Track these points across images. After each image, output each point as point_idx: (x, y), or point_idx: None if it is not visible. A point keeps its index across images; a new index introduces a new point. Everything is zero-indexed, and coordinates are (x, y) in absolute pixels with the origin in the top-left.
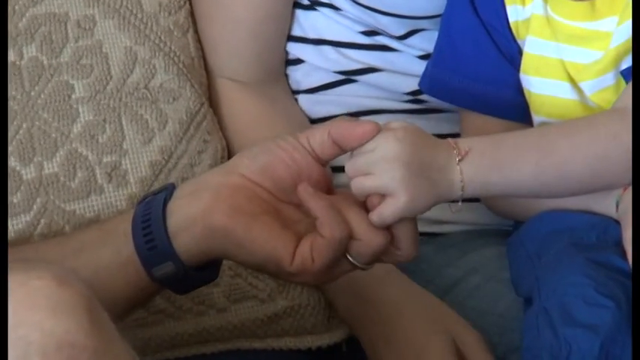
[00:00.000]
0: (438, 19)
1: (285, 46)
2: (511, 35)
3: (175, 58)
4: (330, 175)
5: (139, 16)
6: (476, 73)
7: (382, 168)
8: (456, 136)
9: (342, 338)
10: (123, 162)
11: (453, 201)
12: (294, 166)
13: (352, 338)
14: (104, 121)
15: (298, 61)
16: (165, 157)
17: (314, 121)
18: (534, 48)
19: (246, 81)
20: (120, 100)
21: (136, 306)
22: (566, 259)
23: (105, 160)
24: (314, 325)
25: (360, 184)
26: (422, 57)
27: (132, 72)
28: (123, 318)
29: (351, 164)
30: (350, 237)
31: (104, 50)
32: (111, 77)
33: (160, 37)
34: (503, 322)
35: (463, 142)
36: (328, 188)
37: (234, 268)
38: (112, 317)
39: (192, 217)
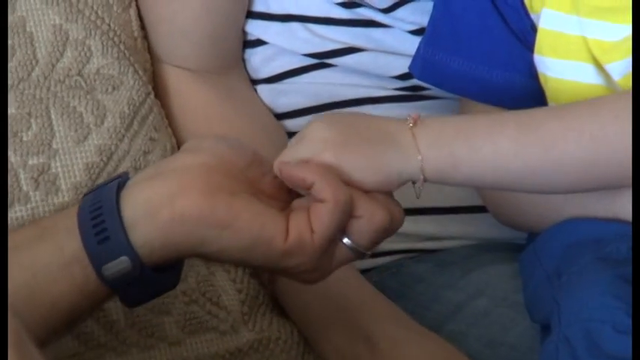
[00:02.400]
0: None
1: (243, 26)
2: (523, 8)
3: (115, 39)
4: None
5: None
6: (479, 55)
7: (307, 137)
8: None
9: None
10: (52, 164)
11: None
12: (257, 156)
13: None
14: (29, 115)
15: (258, 43)
16: (104, 159)
17: (278, 116)
18: (551, 23)
19: (197, 69)
20: (48, 89)
21: (81, 316)
22: (591, 276)
23: (30, 162)
24: None
25: (283, 159)
26: (414, 32)
27: (62, 55)
28: (64, 332)
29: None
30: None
31: (28, 29)
32: (37, 62)
33: (96, 13)
34: (516, 355)
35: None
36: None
37: (189, 293)
38: (52, 331)
39: (156, 203)
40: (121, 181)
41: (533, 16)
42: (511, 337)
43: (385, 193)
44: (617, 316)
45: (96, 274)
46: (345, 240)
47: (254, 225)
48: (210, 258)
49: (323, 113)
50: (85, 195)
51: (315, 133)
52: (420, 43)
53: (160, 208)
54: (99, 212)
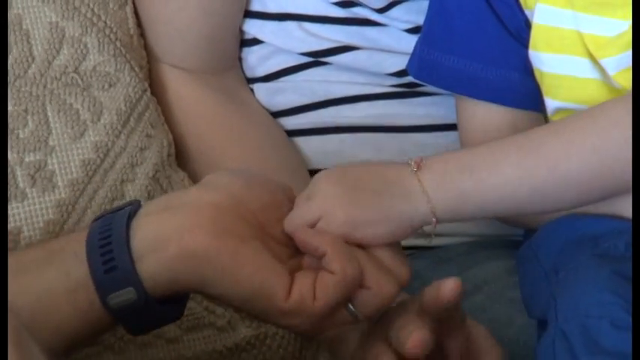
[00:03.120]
0: None
1: (241, 25)
2: (517, 5)
3: (111, 36)
4: None
5: None
6: (473, 52)
7: (316, 195)
8: (452, 126)
9: None
10: (49, 161)
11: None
12: (276, 197)
13: None
14: (25, 112)
15: (254, 42)
16: (101, 155)
17: (275, 115)
18: (546, 18)
19: (194, 69)
20: (44, 86)
21: (83, 341)
22: (589, 273)
23: (27, 159)
24: (282, 358)
25: (293, 219)
26: (410, 30)
27: (58, 52)
28: (65, 356)
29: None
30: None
31: (24, 26)
32: (33, 59)
33: (92, 10)
34: (514, 352)
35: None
36: None
37: None
38: (53, 351)
39: (165, 237)
40: (132, 210)
41: (527, 12)
42: (509, 334)
43: (396, 245)
44: (615, 312)
45: (101, 303)
46: (349, 306)
47: (255, 279)
48: (212, 298)
49: (327, 169)
50: (95, 220)
51: (324, 191)
52: (417, 42)
53: (167, 242)
54: (108, 241)
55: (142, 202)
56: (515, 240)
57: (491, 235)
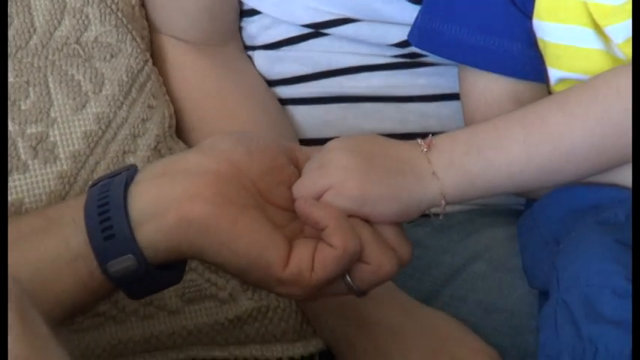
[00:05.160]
0: None
1: None
2: None
3: (113, 6)
4: None
5: None
6: (474, 22)
7: (327, 161)
8: (455, 96)
9: (318, 349)
10: (51, 133)
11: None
12: (280, 161)
13: (328, 351)
14: (27, 83)
15: (254, 12)
16: (103, 127)
17: (272, 83)
18: None
19: (194, 41)
20: (46, 57)
21: (83, 310)
22: (590, 241)
23: (29, 131)
24: (284, 331)
25: (303, 187)
26: (414, 1)
27: (60, 23)
28: (66, 323)
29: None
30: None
31: None
32: (34, 30)
33: None
34: (515, 321)
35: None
36: None
37: (188, 262)
38: (53, 321)
39: (164, 205)
40: (129, 175)
41: None
42: (510, 303)
43: (399, 226)
44: (616, 280)
45: (100, 270)
46: (347, 278)
47: (253, 250)
48: (211, 264)
49: (340, 137)
50: (92, 186)
51: (337, 161)
52: (419, 11)
53: (166, 210)
54: (106, 208)
55: (138, 167)
56: (516, 209)
57: (492, 203)
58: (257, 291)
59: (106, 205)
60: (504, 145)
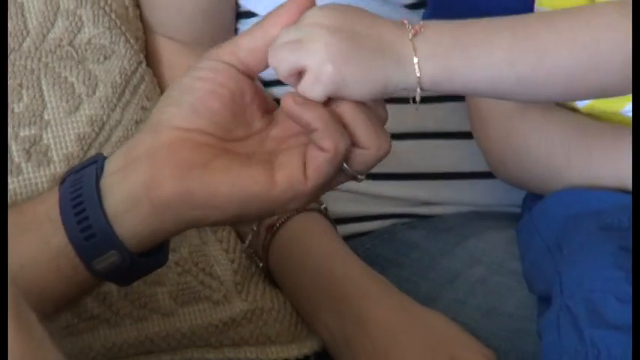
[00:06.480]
0: None
1: None
2: None
3: (106, 8)
4: (263, 89)
5: None
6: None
7: (307, 36)
8: (450, 98)
9: (313, 351)
10: (44, 136)
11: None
12: (224, 92)
13: (324, 352)
14: (20, 85)
15: (250, 14)
16: (96, 129)
17: (267, 84)
18: None
19: (190, 41)
20: (39, 60)
21: (70, 303)
22: (594, 247)
23: (22, 133)
24: (279, 332)
25: (279, 59)
26: (410, 6)
27: (53, 25)
28: (55, 317)
29: (273, 46)
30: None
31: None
32: (28, 32)
33: None
34: (515, 324)
35: (418, 23)
36: (267, 103)
37: (182, 263)
38: (42, 315)
39: (135, 195)
40: (98, 167)
41: None
42: (509, 307)
43: (378, 100)
44: (620, 286)
45: (85, 268)
46: (345, 167)
47: (234, 193)
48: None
49: (324, 7)
50: (62, 182)
51: (318, 38)
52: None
53: (139, 199)
54: (82, 207)
55: (105, 156)
56: (512, 212)
57: (487, 204)
58: (251, 292)
59: (81, 205)
60: (490, 48)
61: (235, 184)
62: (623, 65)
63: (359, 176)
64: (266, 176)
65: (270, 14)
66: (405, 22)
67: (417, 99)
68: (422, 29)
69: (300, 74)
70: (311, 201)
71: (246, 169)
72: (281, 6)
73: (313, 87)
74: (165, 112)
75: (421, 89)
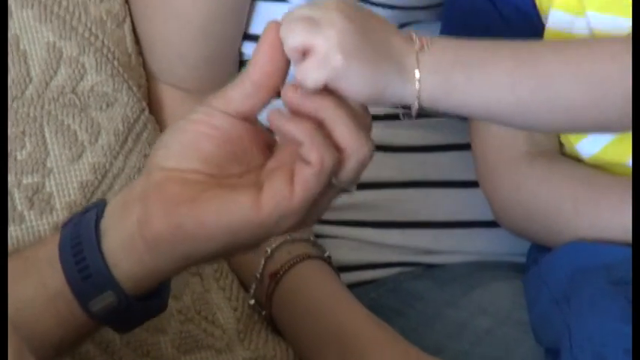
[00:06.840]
0: (434, 9)
1: (240, 47)
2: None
3: (109, 55)
4: (266, 132)
5: (64, 3)
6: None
7: (324, 18)
8: (453, 147)
9: None
10: (47, 183)
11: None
12: (217, 134)
13: None
14: (23, 133)
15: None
16: (99, 177)
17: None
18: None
19: (193, 89)
20: (42, 107)
21: (71, 347)
22: (604, 301)
23: (25, 181)
24: None
25: (292, 30)
26: None
27: (56, 73)
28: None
29: (289, 16)
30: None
31: (22, 47)
32: (30, 80)
33: (89, 30)
34: None
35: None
36: (269, 141)
37: (184, 312)
38: None
39: (130, 235)
40: (98, 211)
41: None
42: (516, 358)
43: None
44: (630, 341)
45: (82, 310)
46: (333, 181)
47: (222, 221)
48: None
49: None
50: (64, 226)
51: (333, 21)
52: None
53: (133, 238)
54: (80, 248)
55: (107, 201)
56: (517, 262)
57: (491, 253)
58: (254, 340)
59: (80, 245)
60: (490, 69)
61: (220, 210)
62: (625, 100)
63: (349, 188)
64: (252, 200)
65: (253, 60)
66: (413, 34)
67: (414, 113)
68: (428, 43)
69: (304, 54)
70: (302, 221)
71: (232, 195)
72: (258, 51)
73: (316, 70)
74: (156, 155)
75: (418, 104)
